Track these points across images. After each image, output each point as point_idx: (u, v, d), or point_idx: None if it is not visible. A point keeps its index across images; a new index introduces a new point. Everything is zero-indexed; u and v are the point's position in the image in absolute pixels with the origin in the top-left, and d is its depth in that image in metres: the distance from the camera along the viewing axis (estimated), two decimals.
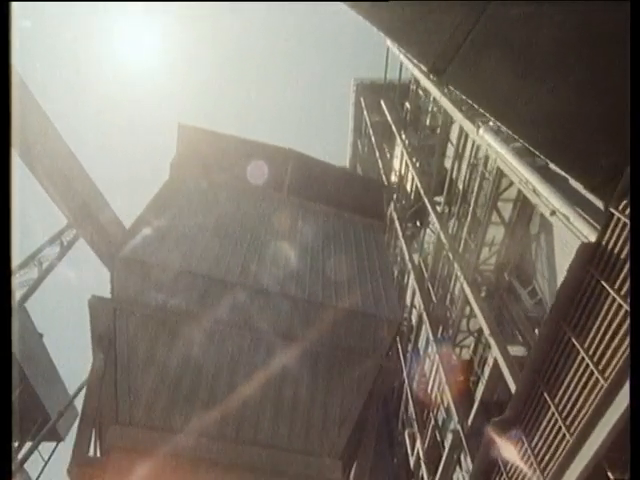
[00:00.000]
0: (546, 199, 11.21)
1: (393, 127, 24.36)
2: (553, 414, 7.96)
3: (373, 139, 28.15)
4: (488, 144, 14.36)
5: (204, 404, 5.24)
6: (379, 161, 26.49)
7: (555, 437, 7.87)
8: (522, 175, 12.43)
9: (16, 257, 20.29)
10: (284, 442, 5.19)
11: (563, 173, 11.08)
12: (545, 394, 8.17)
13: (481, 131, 14.81)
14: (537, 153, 7.67)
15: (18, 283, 19.05)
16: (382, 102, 27.45)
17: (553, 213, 10.85)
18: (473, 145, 17.15)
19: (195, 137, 9.02)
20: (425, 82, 20.54)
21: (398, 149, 25.08)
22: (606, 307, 6.40)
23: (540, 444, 8.33)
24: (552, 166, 13.00)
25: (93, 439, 5.41)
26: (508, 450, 9.25)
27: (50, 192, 19.11)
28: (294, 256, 7.17)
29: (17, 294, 18.62)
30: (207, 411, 5.19)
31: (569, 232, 10.51)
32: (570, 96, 6.35)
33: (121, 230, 21.33)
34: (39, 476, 22.69)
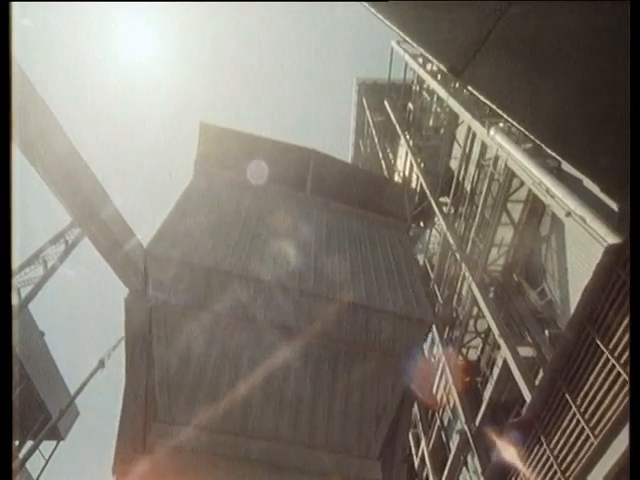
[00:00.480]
0: (561, 200, 11.22)
1: (397, 127, 24.36)
2: (575, 415, 7.95)
3: (376, 139, 28.14)
4: (499, 145, 14.39)
5: (241, 402, 5.20)
6: (382, 162, 26.50)
7: (578, 439, 7.86)
8: (535, 176, 12.45)
9: (19, 256, 20.09)
10: (322, 442, 5.15)
11: (579, 175, 11.13)
12: (567, 395, 8.17)
13: (492, 132, 14.84)
14: (557, 156, 7.68)
15: (22, 281, 18.86)
16: (386, 102, 27.44)
17: (568, 214, 10.86)
18: (482, 146, 17.18)
19: (218, 136, 8.98)
20: (432, 83, 20.57)
21: (402, 149, 25.09)
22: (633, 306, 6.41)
23: (561, 446, 8.33)
24: (564, 167, 13.07)
25: (133, 437, 5.35)
26: (526, 451, 9.26)
27: (53, 189, 18.84)
28: (324, 256, 7.13)
29: (22, 292, 18.43)
30: (244, 409, 5.15)
31: (583, 233, 10.55)
32: (592, 97, 6.37)
33: (125, 228, 21.15)
34: (40, 475, 22.57)
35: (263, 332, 5.85)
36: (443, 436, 17.91)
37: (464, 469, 16.56)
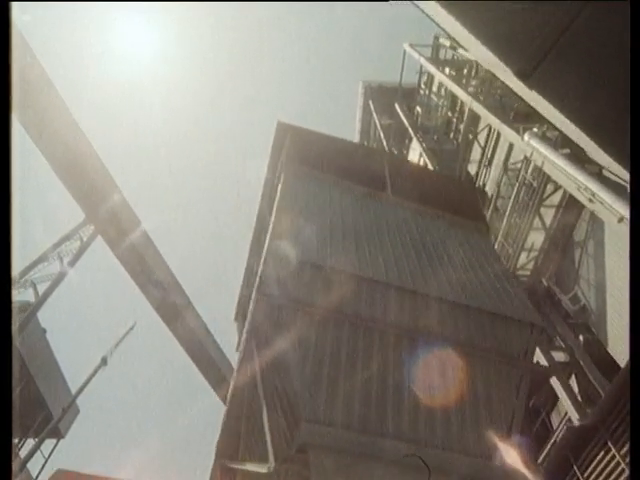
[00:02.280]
0: (610, 206, 11.32)
1: (410, 130, 24.40)
2: None
3: (384, 142, 28.15)
4: (535, 149, 14.48)
5: (375, 403, 5.05)
6: None
7: None
8: (580, 181, 12.54)
9: (19, 254, 19.38)
10: (458, 445, 5.05)
11: (621, 181, 11.28)
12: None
13: (526, 137, 14.93)
14: (621, 164, 7.70)
15: (38, 277, 18.26)
16: (396, 105, 27.48)
17: (621, 220, 10.96)
18: (508, 150, 17.34)
19: (296, 135, 8.82)
20: (452, 86, 20.70)
21: (413, 153, 25.14)
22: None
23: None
24: (605, 173, 13.22)
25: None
26: (591, 456, 9.28)
27: (65, 184, 18.42)
28: (424, 257, 7.02)
29: (39, 289, 17.82)
30: (379, 410, 5.01)
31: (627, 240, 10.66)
32: None
33: (136, 224, 20.80)
34: (39, 473, 22.03)
35: (397, 337, 5.71)
36: None
37: None
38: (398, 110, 26.77)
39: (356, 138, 34.09)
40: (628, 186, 6.53)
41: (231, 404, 6.66)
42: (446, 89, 25.00)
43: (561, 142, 14.25)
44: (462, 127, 23.37)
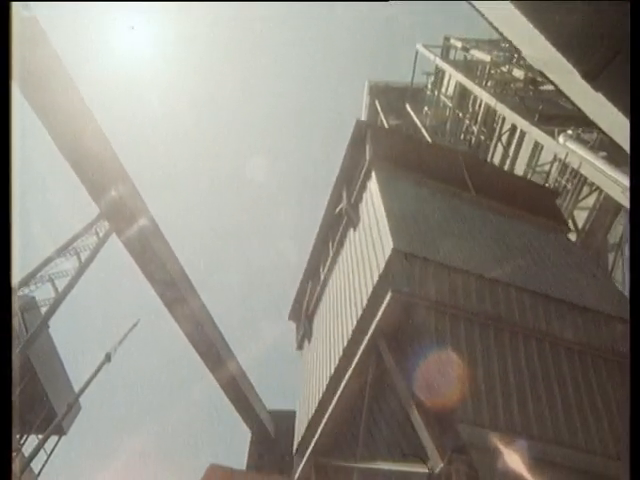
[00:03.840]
0: None
1: (423, 131, 24.46)
2: None
3: None
4: (571, 152, 14.62)
5: (536, 408, 4.98)
6: None
7: None
8: (623, 184, 12.69)
9: (18, 252, 18.81)
10: (602, 449, 5.01)
11: None
12: None
13: (561, 139, 15.07)
14: None
15: (54, 273, 17.68)
16: (408, 106, 27.52)
17: None
18: (534, 151, 17.51)
19: (378, 134, 8.74)
20: (475, 88, 20.83)
21: None
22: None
23: None
24: None
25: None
26: None
27: (80, 176, 17.93)
28: (528, 256, 6.99)
29: (58, 285, 17.28)
30: (540, 415, 4.95)
31: None
32: None
33: (150, 220, 20.33)
34: (42, 469, 21.59)
35: (516, 334, 5.63)
36: None
37: None
38: (409, 110, 26.79)
39: None
40: None
41: (337, 408, 6.51)
42: (455, 90, 25.19)
43: (598, 145, 14.45)
44: (475, 128, 23.56)
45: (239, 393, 23.10)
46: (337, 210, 9.30)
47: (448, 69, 23.57)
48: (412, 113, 26.19)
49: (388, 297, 5.44)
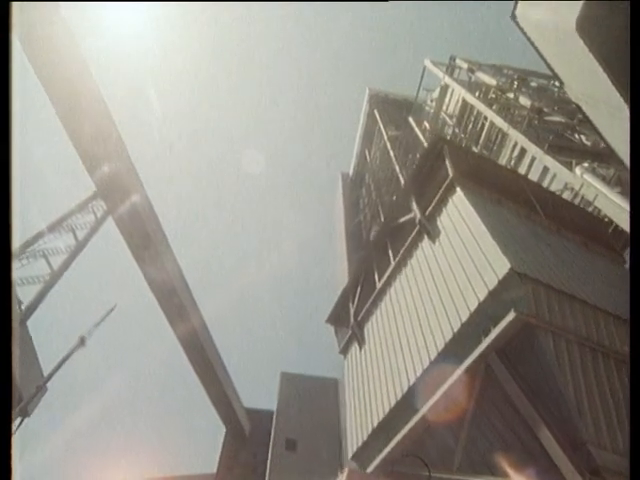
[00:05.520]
0: None
1: (426, 146, 24.88)
2: None
3: (391, 153, 28.51)
4: (587, 184, 15.33)
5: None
6: (400, 176, 26.89)
7: None
8: None
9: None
10: None
11: None
12: None
13: (578, 171, 15.77)
14: None
15: (46, 249, 16.81)
16: (410, 119, 27.96)
17: None
18: (543, 178, 18.21)
19: (455, 150, 8.90)
20: (488, 112, 21.44)
21: None
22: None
23: None
24: None
25: None
26: None
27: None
28: (602, 283, 7.38)
29: (53, 261, 16.44)
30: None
31: None
32: None
33: (147, 205, 19.77)
34: None
35: (608, 358, 5.92)
36: None
37: None
38: (412, 124, 27.24)
39: (356, 145, 34.28)
40: None
41: (425, 417, 6.57)
42: (458, 108, 25.87)
43: (615, 181, 15.26)
44: (476, 149, 24.23)
45: (219, 389, 22.73)
46: (401, 220, 9.40)
47: (457, 88, 24.17)
48: (415, 127, 26.63)
49: (511, 317, 5.59)
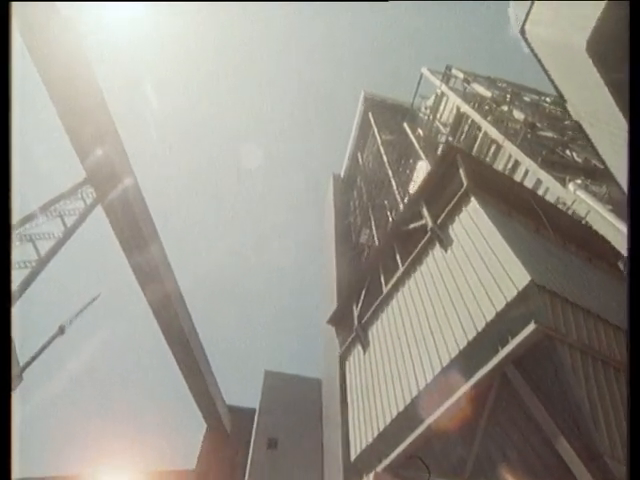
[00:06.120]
0: None
1: (420, 152, 25.20)
2: None
3: (385, 157, 28.70)
4: (580, 200, 15.72)
5: None
6: (392, 180, 27.09)
7: None
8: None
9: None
10: None
11: None
12: None
13: (571, 187, 16.16)
14: None
15: (34, 234, 16.44)
16: (405, 125, 28.18)
17: None
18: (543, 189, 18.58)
19: (468, 160, 9.02)
20: (485, 125, 21.77)
21: (417, 174, 25.83)
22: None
23: None
24: None
25: None
26: None
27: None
28: (600, 287, 7.68)
29: (40, 247, 16.06)
30: None
31: None
32: None
33: (139, 196, 19.55)
34: None
35: (619, 371, 6.13)
36: None
37: None
38: (407, 130, 27.47)
39: (349, 147, 34.35)
40: None
41: (436, 424, 6.66)
42: (452, 118, 26.22)
43: (607, 199, 15.68)
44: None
45: (200, 382, 22.54)
46: (411, 226, 9.50)
47: (453, 97, 24.47)
48: (410, 134, 26.86)
49: (531, 328, 5.71)
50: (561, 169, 18.62)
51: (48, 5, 13.94)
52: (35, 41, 14.77)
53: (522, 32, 13.17)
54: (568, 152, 21.43)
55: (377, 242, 25.40)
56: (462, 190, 8.29)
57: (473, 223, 7.69)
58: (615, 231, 14.39)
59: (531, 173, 19.07)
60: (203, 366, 22.28)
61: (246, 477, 20.68)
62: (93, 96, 16.06)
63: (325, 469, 19.56)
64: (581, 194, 15.81)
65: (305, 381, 25.44)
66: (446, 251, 8.07)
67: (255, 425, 22.99)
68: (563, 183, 16.62)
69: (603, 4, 9.54)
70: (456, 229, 8.13)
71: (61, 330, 22.53)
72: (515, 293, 6.17)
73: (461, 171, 8.59)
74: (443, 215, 8.56)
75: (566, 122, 25.68)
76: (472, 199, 8.00)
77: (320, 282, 29.93)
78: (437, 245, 8.37)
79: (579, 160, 20.79)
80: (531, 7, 12.70)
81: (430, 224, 8.69)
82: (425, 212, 9.10)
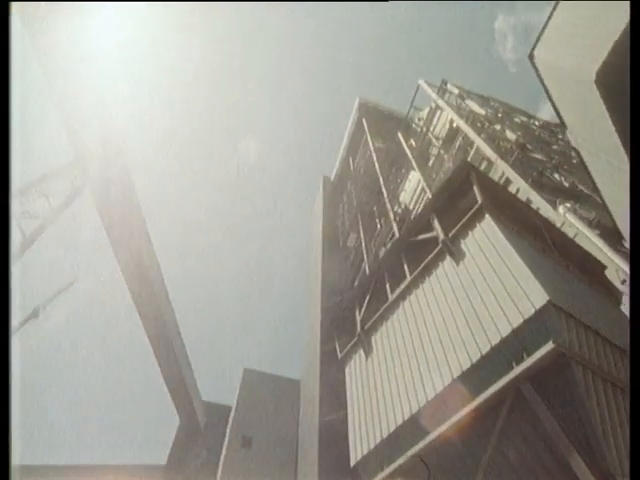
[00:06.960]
0: None
1: (413, 162, 25.53)
2: None
3: (377, 165, 28.98)
4: (569, 223, 16.23)
5: None
6: (383, 187, 27.36)
7: None
8: (616, 263, 14.35)
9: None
10: None
11: None
12: None
13: (561, 210, 16.65)
14: None
15: (21, 212, 16.03)
16: (400, 135, 28.49)
17: None
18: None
19: (485, 180, 9.29)
20: (480, 143, 22.22)
21: (409, 184, 26.10)
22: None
23: None
24: None
25: None
26: None
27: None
28: (600, 308, 8.04)
29: (26, 228, 15.70)
30: None
31: None
32: None
33: (129, 186, 19.37)
34: None
35: (617, 389, 6.45)
36: None
37: None
38: (401, 140, 27.80)
39: (341, 151, 34.52)
40: None
41: (446, 433, 6.82)
42: (444, 131, 26.68)
43: (595, 224, 16.23)
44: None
45: (175, 371, 22.21)
46: (420, 237, 9.68)
47: (448, 111, 24.88)
48: (404, 144, 27.19)
49: (549, 347, 5.93)
50: (549, 191, 19.17)
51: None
52: None
53: (531, 57, 13.54)
54: (557, 175, 22.08)
55: (364, 246, 25.61)
56: (476, 206, 8.51)
57: (487, 239, 7.91)
58: (603, 255, 14.87)
59: (521, 192, 19.58)
60: (179, 351, 21.99)
61: (218, 475, 20.55)
62: None
63: (299, 470, 19.61)
64: (570, 217, 16.30)
65: (284, 382, 25.44)
66: (457, 264, 8.27)
67: (230, 422, 22.87)
68: (554, 205, 17.13)
69: (616, 36, 9.90)
70: (468, 243, 8.33)
71: (35, 313, 21.97)
72: (532, 312, 6.38)
73: (475, 188, 8.81)
74: (455, 229, 8.76)
75: (554, 146, 26.47)
76: (486, 216, 8.22)
77: (305, 283, 29.95)
78: (448, 257, 8.56)
79: (566, 184, 21.45)
80: (542, 32, 13.06)
81: (442, 236, 8.88)
82: (436, 224, 9.29)
